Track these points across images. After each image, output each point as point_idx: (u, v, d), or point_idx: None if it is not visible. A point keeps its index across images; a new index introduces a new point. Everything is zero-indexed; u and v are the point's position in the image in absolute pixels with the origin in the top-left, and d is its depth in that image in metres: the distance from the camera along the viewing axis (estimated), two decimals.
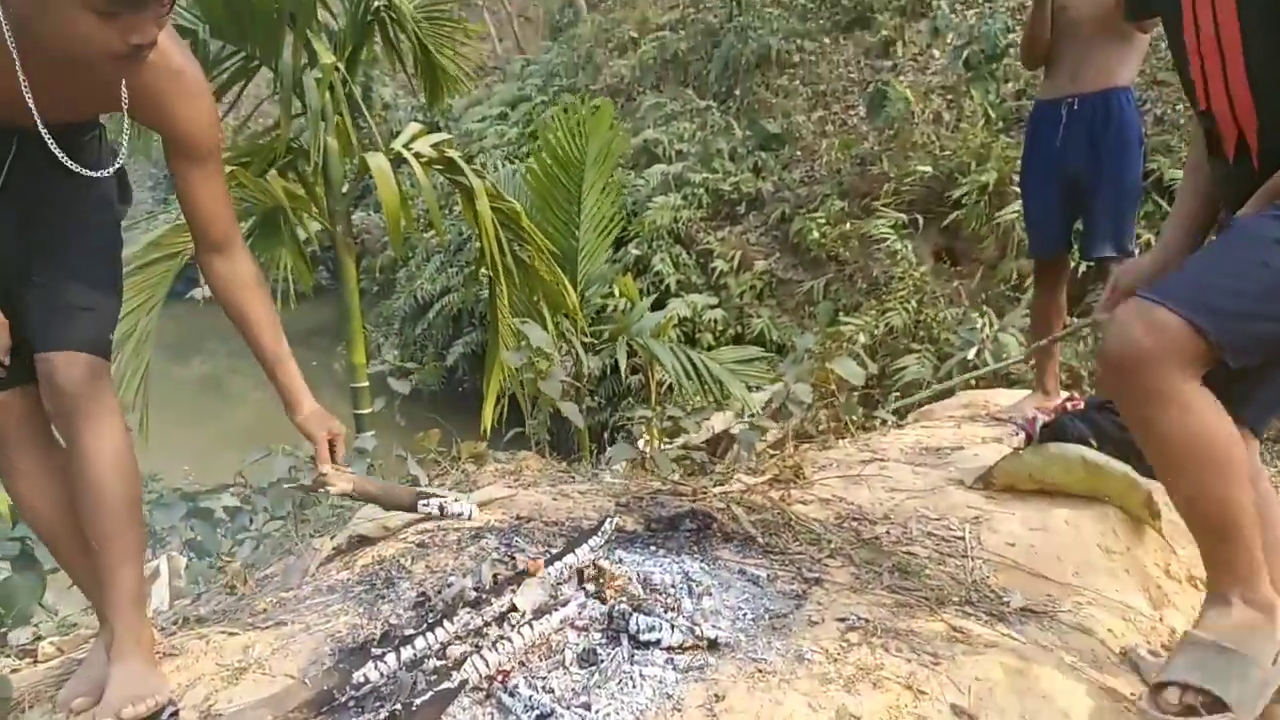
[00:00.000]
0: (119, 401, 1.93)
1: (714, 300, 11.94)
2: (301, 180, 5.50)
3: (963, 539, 2.57)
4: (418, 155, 5.18)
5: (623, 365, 6.07)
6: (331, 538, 2.54)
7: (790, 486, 2.92)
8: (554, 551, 2.11)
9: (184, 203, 1.96)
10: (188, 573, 3.89)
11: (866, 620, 2.11)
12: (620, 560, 2.28)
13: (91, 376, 1.84)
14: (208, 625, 2.28)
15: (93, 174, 1.81)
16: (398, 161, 5.15)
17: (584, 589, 2.06)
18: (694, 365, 5.99)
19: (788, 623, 2.07)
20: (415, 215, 13.62)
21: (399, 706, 1.71)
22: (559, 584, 2.04)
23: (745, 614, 2.09)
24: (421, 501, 2.45)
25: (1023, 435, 3.32)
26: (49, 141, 1.70)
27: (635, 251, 12.67)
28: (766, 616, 2.09)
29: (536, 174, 5.78)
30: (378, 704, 1.83)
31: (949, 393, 5.59)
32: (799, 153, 13.57)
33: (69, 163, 1.74)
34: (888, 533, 2.64)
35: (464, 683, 1.77)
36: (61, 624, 3.40)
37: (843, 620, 2.11)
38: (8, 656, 2.49)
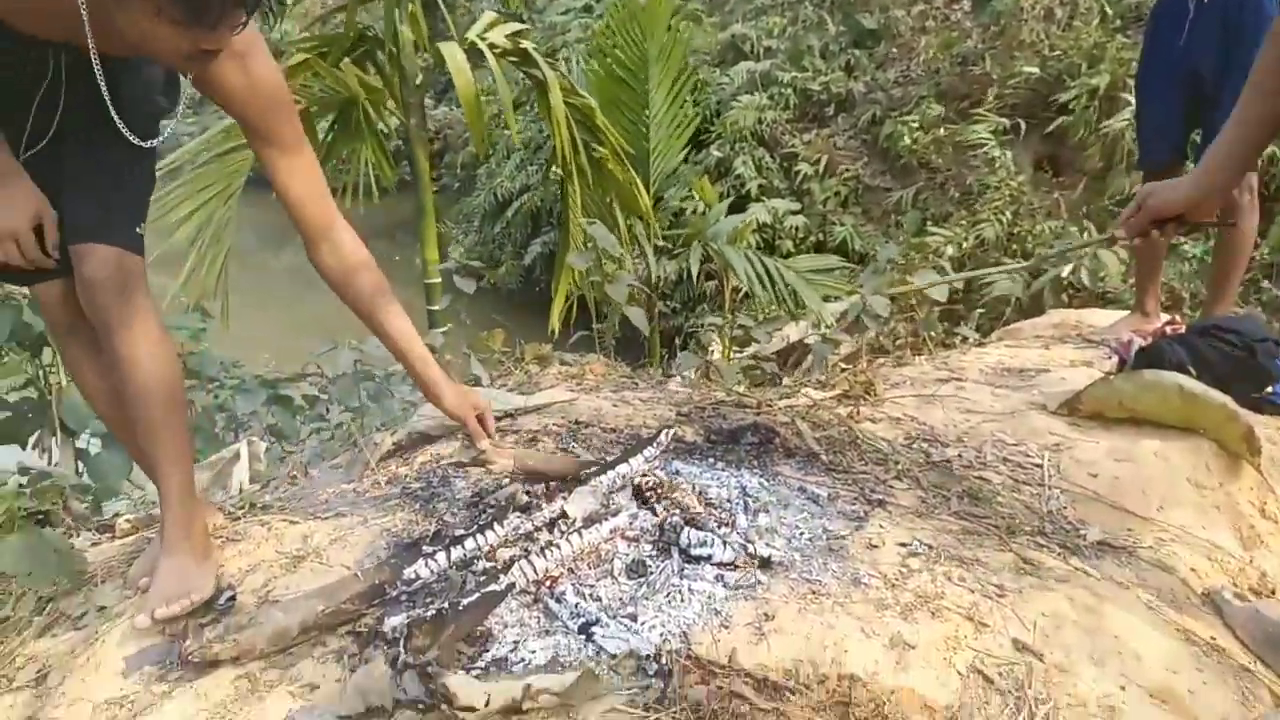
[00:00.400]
0: (152, 301, 1.90)
1: (796, 206, 11.58)
2: (379, 72, 5.41)
3: (1040, 466, 2.45)
4: (492, 46, 5.03)
5: (695, 271, 5.91)
6: (393, 433, 2.55)
7: (860, 403, 2.82)
8: (609, 459, 2.06)
9: (278, 194, 1.91)
10: (267, 456, 4.00)
11: (930, 547, 2.03)
12: (677, 472, 2.23)
13: (118, 270, 1.82)
14: (271, 513, 2.32)
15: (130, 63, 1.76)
16: (474, 53, 5.01)
17: (637, 500, 2.02)
18: (768, 272, 5.81)
19: (846, 545, 2.00)
20: (497, 111, 13.48)
21: (446, 605, 1.70)
22: (611, 493, 2.01)
23: (802, 533, 2.03)
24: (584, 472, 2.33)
25: (1116, 359, 3.14)
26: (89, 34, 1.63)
27: (717, 154, 12.31)
28: (824, 537, 2.02)
29: (599, 74, 5.57)
30: (428, 599, 1.84)
31: (1038, 310, 5.34)
32: (895, 50, 12.87)
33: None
34: (960, 456, 2.53)
35: (511, 586, 1.76)
36: (141, 501, 3.55)
37: (904, 545, 2.03)
38: (90, 530, 2.59)
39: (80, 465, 3.94)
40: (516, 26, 5.22)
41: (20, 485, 2.23)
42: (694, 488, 2.13)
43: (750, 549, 1.86)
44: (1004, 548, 2.07)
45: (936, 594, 1.85)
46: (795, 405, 2.78)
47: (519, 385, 3.01)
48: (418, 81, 5.30)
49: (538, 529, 1.92)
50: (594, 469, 2.01)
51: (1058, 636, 1.76)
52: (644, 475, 2.08)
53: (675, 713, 1.55)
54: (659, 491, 2.01)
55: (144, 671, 1.82)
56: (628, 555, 1.87)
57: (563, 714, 1.57)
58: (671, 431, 2.17)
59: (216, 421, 4.96)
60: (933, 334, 3.54)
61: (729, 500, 2.09)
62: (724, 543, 1.88)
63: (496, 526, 1.87)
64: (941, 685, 1.64)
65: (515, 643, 1.72)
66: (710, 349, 5.23)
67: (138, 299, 1.88)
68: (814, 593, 1.82)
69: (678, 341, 6.75)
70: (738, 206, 11.68)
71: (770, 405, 2.79)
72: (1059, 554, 2.09)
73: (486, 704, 1.54)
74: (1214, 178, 1.80)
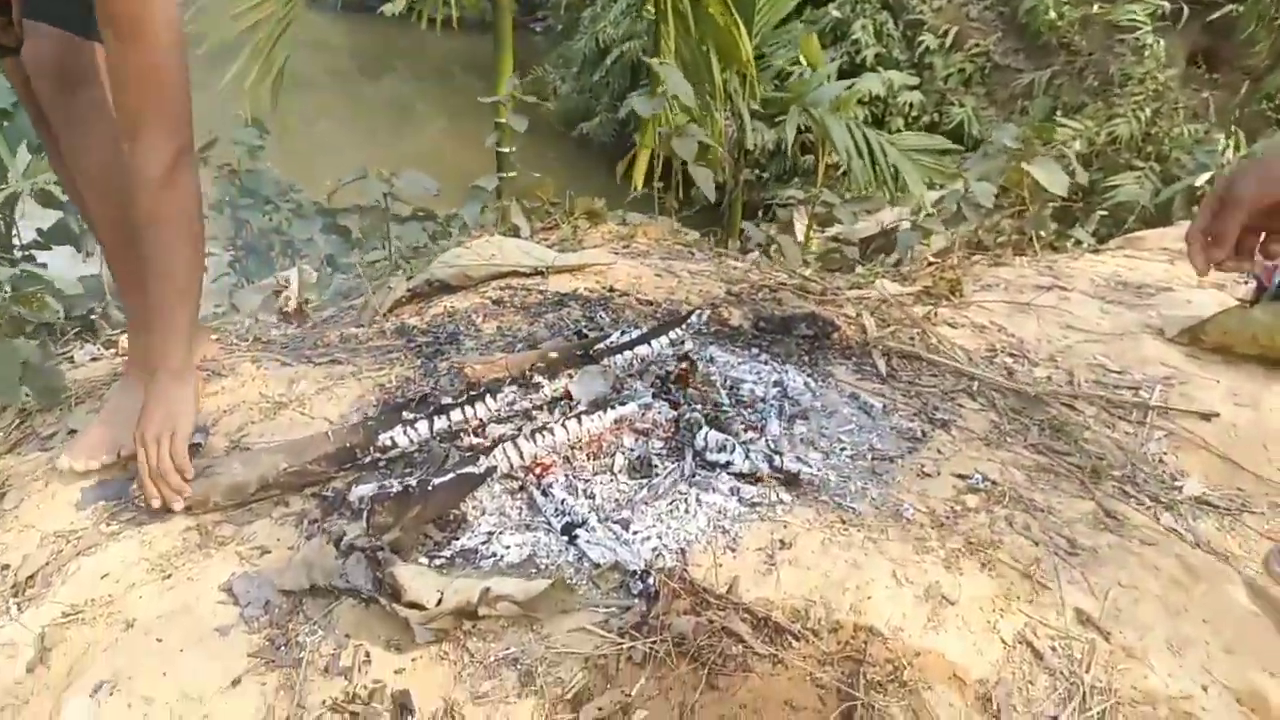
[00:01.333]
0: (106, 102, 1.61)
1: (914, 80, 10.69)
2: None
3: (1144, 401, 2.08)
4: None
5: (790, 138, 5.42)
6: (409, 278, 2.31)
7: (941, 303, 2.46)
8: (631, 336, 1.78)
9: None
10: (317, 287, 3.85)
11: (994, 483, 1.72)
12: (711, 359, 1.94)
13: (63, 54, 1.55)
14: (270, 350, 2.13)
15: None
16: None
17: (655, 388, 1.74)
18: (869, 146, 5.31)
19: (893, 469, 1.71)
20: None
21: (416, 482, 1.49)
22: (626, 377, 1.73)
23: (844, 449, 1.74)
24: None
25: (1254, 284, 2.67)
26: None
27: (835, 13, 11.37)
28: (869, 456, 1.73)
29: None
30: (407, 470, 1.63)
31: (1167, 222, 4.76)
32: None
33: None
34: (1049, 378, 2.18)
35: (492, 469, 1.53)
36: None
37: (963, 478, 1.72)
38: (93, 344, 2.45)
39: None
40: None
41: (4, 292, 2.07)
42: (725, 380, 1.84)
43: (776, 461, 1.58)
44: (1085, 494, 1.75)
45: (992, 541, 1.55)
46: (867, 298, 2.44)
47: (561, 241, 2.72)
48: None
49: (536, 408, 1.67)
50: (610, 347, 1.73)
51: (1132, 613, 1.46)
52: (668, 361, 1.79)
53: (654, 643, 1.32)
54: (683, 381, 1.73)
55: (97, 507, 1.67)
56: (633, 451, 1.61)
57: (524, 625, 1.36)
58: (705, 314, 1.88)
59: (273, 245, 4.83)
60: (1042, 233, 3.10)
61: (764, 400, 1.80)
62: (747, 450, 1.60)
63: (489, 399, 1.63)
64: (979, 653, 1.37)
65: (490, 533, 1.51)
66: (793, 225, 4.84)
67: (86, 93, 1.61)
68: (843, 522, 1.55)
69: (761, 214, 6.31)
70: (850, 75, 10.87)
71: (837, 294, 2.45)
72: (1149, 508, 1.76)
73: (438, 603, 1.34)
74: None
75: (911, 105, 10.82)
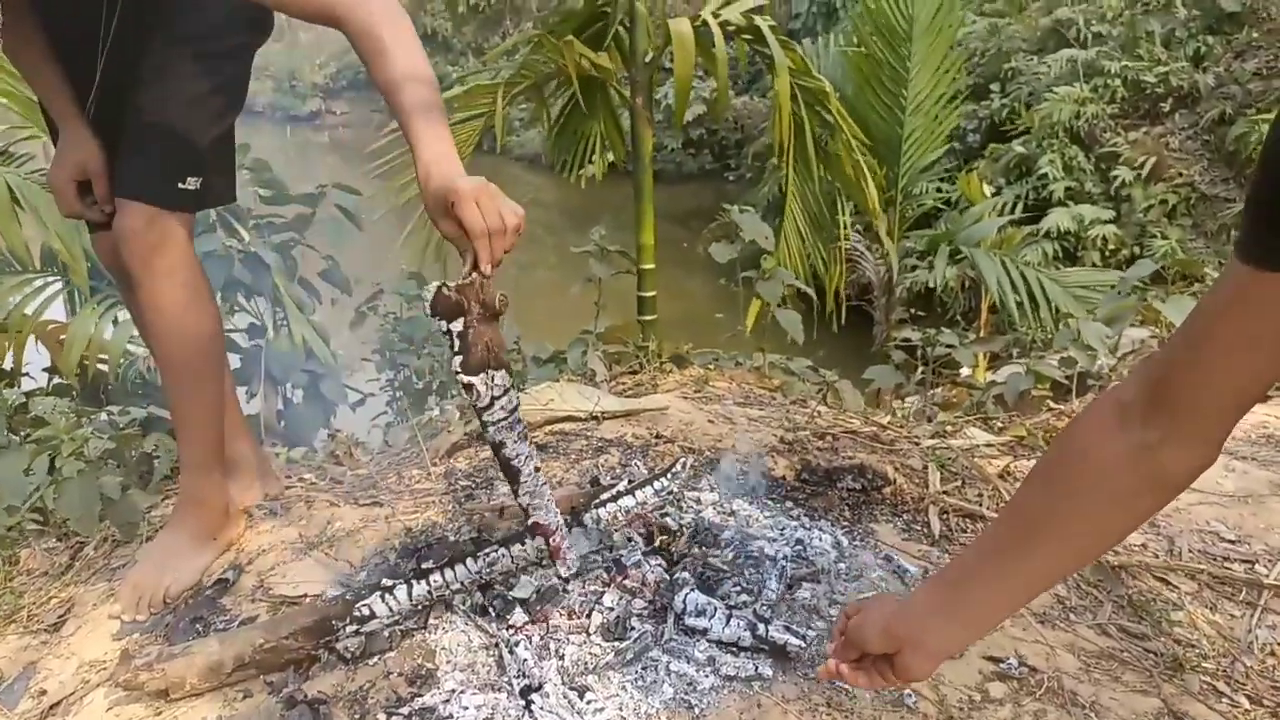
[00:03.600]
0: (190, 262, 1.80)
1: (1109, 214, 10.13)
2: (619, 47, 5.29)
3: (1258, 579, 1.76)
4: (725, 24, 4.71)
5: (940, 275, 5.23)
6: (467, 423, 2.37)
7: (1032, 454, 2.22)
8: (617, 488, 1.72)
9: None
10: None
11: (1032, 670, 1.48)
12: (732, 513, 1.83)
13: (145, 227, 1.73)
14: (328, 490, 2.23)
15: None
16: (704, 29, 4.73)
17: (646, 543, 1.65)
18: (1027, 283, 5.03)
19: None
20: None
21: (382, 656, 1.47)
22: (610, 531, 1.66)
23: None
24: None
25: None
26: None
27: (1020, 149, 11.06)
28: None
29: (854, 45, 5.03)
30: (372, 655, 1.57)
31: None
32: (1259, 37, 10.86)
33: None
34: (1144, 547, 1.89)
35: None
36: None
37: (996, 661, 1.50)
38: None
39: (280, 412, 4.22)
40: (753, 3, 4.85)
41: (91, 430, 2.30)
42: (737, 538, 1.72)
43: (760, 629, 1.44)
44: (1150, 689, 1.47)
45: None
46: (942, 446, 2.24)
47: (637, 386, 2.71)
48: (647, 59, 5.11)
49: (521, 569, 1.63)
50: (596, 498, 1.67)
51: None
52: (658, 513, 1.71)
53: None
54: (664, 547, 1.63)
55: (132, 638, 1.77)
56: (611, 611, 1.52)
57: None
58: (689, 462, 1.78)
59: (429, 384, 5.07)
60: None
61: (773, 559, 1.66)
62: (729, 615, 1.47)
63: (469, 562, 1.60)
64: None
65: (453, 691, 1.45)
66: (960, 370, 4.60)
67: (166, 259, 1.78)
68: (830, 705, 1.38)
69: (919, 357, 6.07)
70: (1037, 210, 10.44)
71: (913, 442, 2.27)
72: (1246, 713, 1.45)
73: None
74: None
75: (1106, 239, 10.24)
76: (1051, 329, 4.93)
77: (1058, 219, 10.04)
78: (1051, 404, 2.84)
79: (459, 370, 1.36)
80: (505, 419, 1.40)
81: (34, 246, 3.92)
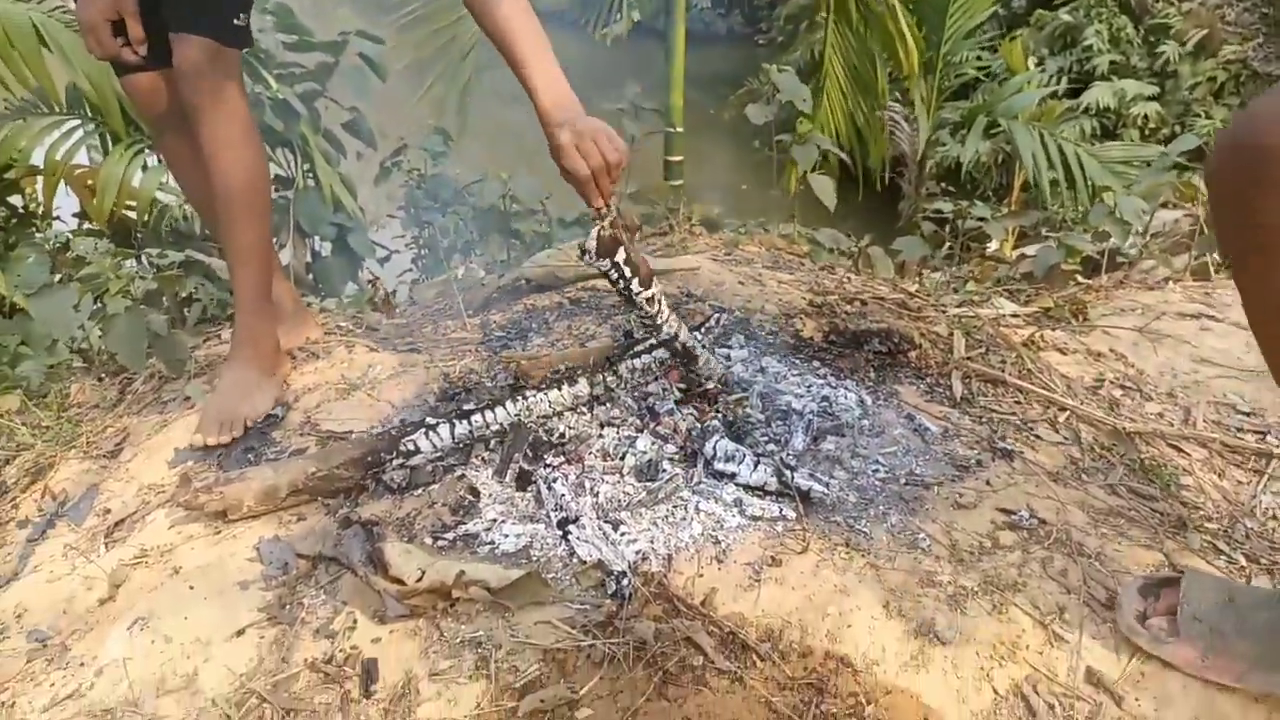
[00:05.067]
0: (244, 96, 1.83)
1: (1153, 90, 9.78)
2: None
3: (1269, 449, 1.82)
4: None
5: (969, 152, 5.13)
6: (500, 276, 2.42)
7: (1057, 326, 2.27)
8: (650, 341, 1.78)
9: None
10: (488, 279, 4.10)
11: (1042, 522, 1.57)
12: (760, 369, 1.90)
13: (208, 61, 1.76)
14: (367, 336, 2.30)
15: None
16: None
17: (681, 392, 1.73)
18: (1064, 158, 4.94)
19: (926, 496, 1.61)
20: None
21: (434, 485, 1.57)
22: (642, 379, 1.72)
23: (876, 470, 1.65)
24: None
25: None
26: None
27: (1066, 18, 10.58)
28: (903, 480, 1.63)
29: None
30: (417, 486, 1.67)
31: None
32: None
33: None
34: (1160, 415, 1.96)
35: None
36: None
37: (1008, 513, 1.59)
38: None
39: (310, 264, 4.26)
40: None
41: (138, 272, 2.37)
42: (767, 393, 1.79)
43: (786, 476, 1.53)
44: (1154, 544, 1.56)
45: (1013, 584, 1.43)
46: (967, 315, 2.28)
47: (667, 247, 2.74)
48: None
49: (555, 413, 1.71)
50: (630, 350, 1.74)
51: (1158, 680, 1.29)
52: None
53: (614, 644, 1.32)
54: (672, 378, 1.70)
55: (186, 464, 1.88)
56: (644, 454, 1.61)
57: (496, 611, 1.40)
58: (723, 317, 1.83)
59: (452, 241, 5.09)
60: (1210, 257, 2.75)
61: (801, 413, 1.74)
62: (756, 461, 1.56)
63: (508, 404, 1.68)
64: (960, 700, 1.26)
65: (494, 521, 1.56)
66: (989, 245, 4.58)
67: (228, 93, 1.83)
68: (848, 545, 1.47)
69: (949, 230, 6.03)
70: (1080, 84, 10.09)
71: (939, 309, 2.32)
72: (1241, 569, 1.55)
73: (419, 580, 1.41)
74: None
75: (1148, 116, 9.91)
76: (1087, 206, 4.87)
77: (1099, 94, 9.70)
78: (1080, 278, 2.86)
79: (640, 289, 1.58)
80: (671, 315, 1.66)
81: (58, 87, 3.90)
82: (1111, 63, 10.40)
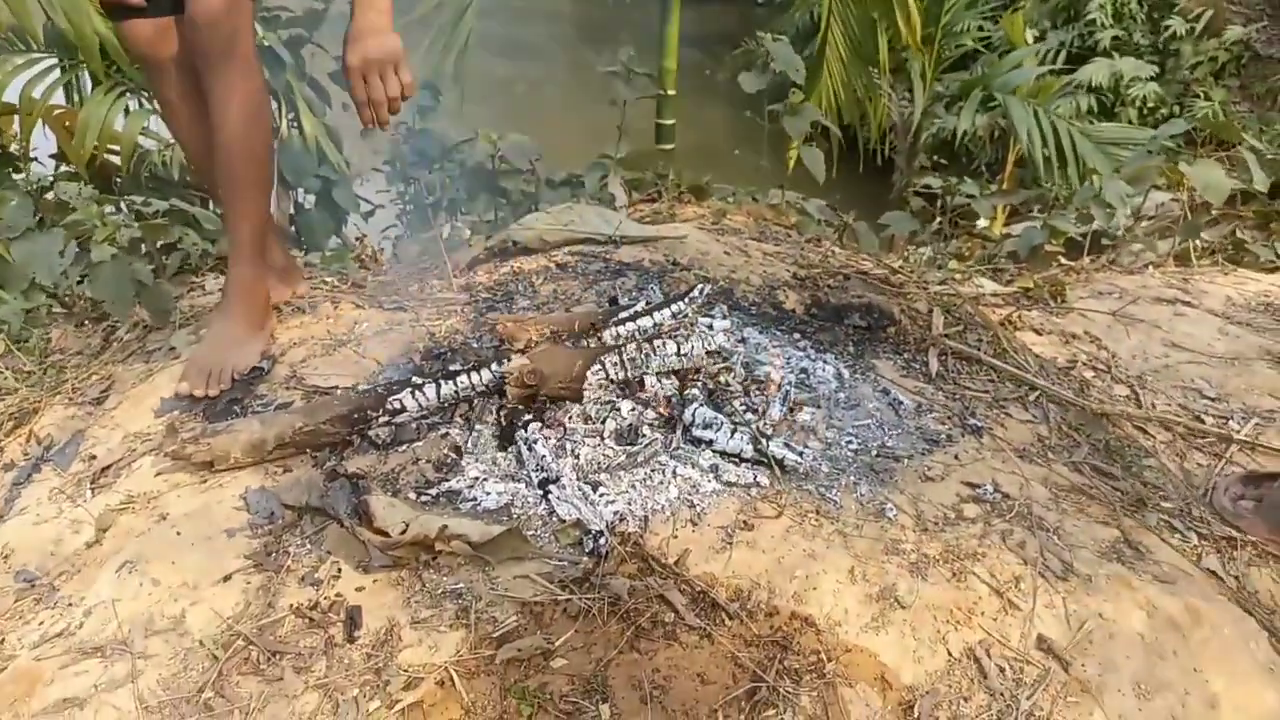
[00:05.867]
0: (256, 51, 1.87)
1: (1151, 70, 9.83)
2: None
3: (1229, 433, 1.92)
4: None
5: (964, 125, 5.19)
6: (487, 238, 2.47)
7: (1035, 306, 2.35)
8: (634, 309, 1.85)
9: None
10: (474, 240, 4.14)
11: (1005, 496, 1.67)
12: (741, 340, 1.98)
13: (225, 10, 1.79)
14: (353, 293, 2.36)
15: None
16: None
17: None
18: (1057, 136, 5.01)
19: (896, 469, 1.69)
20: None
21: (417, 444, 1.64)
22: (623, 346, 1.78)
23: (850, 442, 1.74)
24: None
25: None
26: None
27: None
28: (874, 452, 1.72)
29: None
30: (402, 443, 1.74)
31: None
32: None
33: None
34: (1128, 397, 2.05)
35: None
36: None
37: (973, 487, 1.68)
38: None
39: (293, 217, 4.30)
40: None
41: (123, 219, 2.40)
42: (747, 362, 1.87)
43: (762, 444, 1.61)
44: (1111, 521, 1.66)
45: (973, 553, 1.52)
46: (946, 293, 2.37)
47: (655, 214, 2.80)
48: None
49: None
50: (614, 316, 1.81)
51: (1106, 648, 1.40)
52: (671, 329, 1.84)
53: (590, 599, 1.40)
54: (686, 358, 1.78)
55: (172, 414, 1.94)
56: (625, 419, 1.69)
57: (477, 565, 1.48)
58: (708, 289, 1.90)
59: (439, 199, 5.08)
60: (1196, 242, 2.84)
61: (779, 384, 1.82)
62: (734, 429, 1.64)
63: (494, 366, 1.75)
64: (916, 660, 1.36)
65: (477, 479, 1.64)
66: (977, 222, 4.66)
67: (241, 42, 1.86)
68: (818, 513, 1.56)
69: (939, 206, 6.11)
70: (1080, 60, 10.11)
71: (922, 287, 2.40)
72: (1194, 548, 1.65)
73: (403, 532, 1.48)
74: None
75: (1146, 97, 9.97)
76: (1078, 186, 4.95)
77: (1095, 72, 9.73)
78: (1063, 260, 2.95)
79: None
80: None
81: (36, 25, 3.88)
82: (1114, 38, 10.42)
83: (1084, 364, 2.14)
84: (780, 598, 1.42)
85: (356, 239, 2.73)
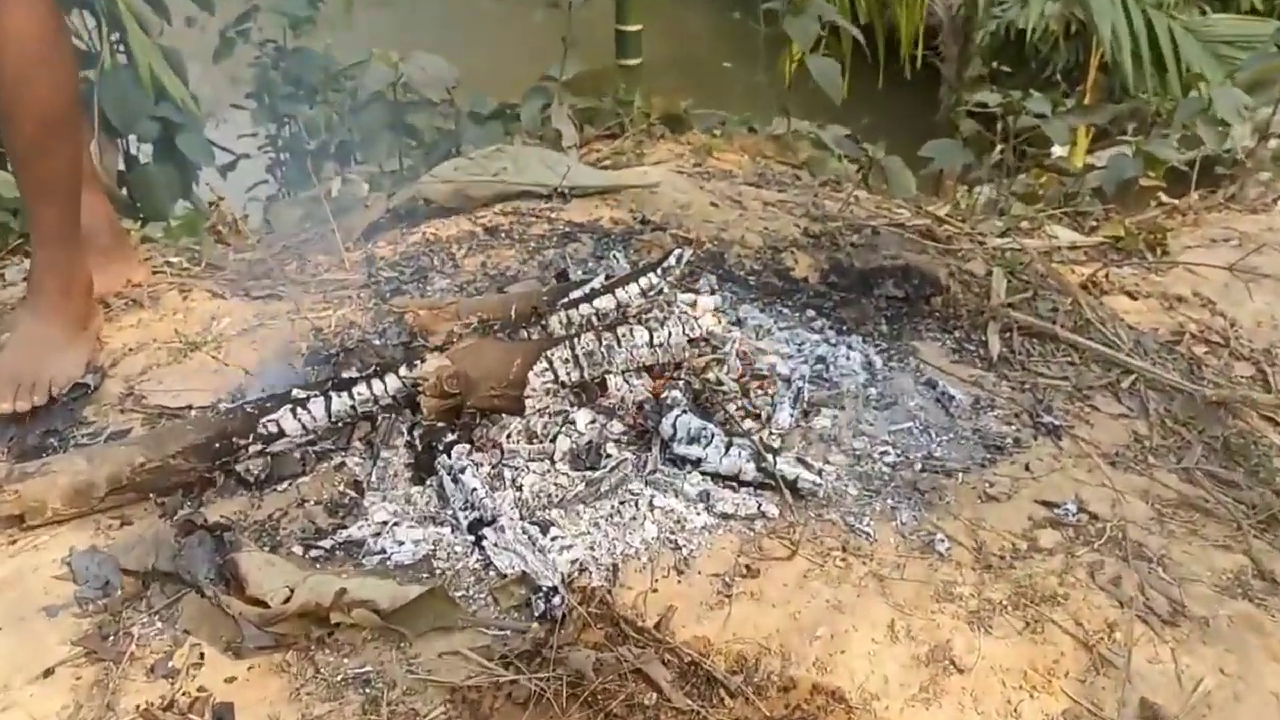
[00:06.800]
0: None
1: None
2: None
3: None
4: None
5: (1033, 18, 5.24)
6: (390, 195, 2.48)
7: (1127, 261, 2.39)
8: (591, 286, 1.86)
9: None
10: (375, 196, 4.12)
11: (1093, 518, 1.70)
12: (736, 322, 2.00)
13: None
14: (210, 279, 2.36)
15: None
16: None
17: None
18: (1152, 31, 5.06)
19: (948, 486, 1.72)
20: None
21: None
22: (577, 335, 1.80)
23: (885, 454, 1.76)
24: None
25: None
26: None
27: None
28: (918, 466, 1.75)
29: None
30: (282, 479, 1.75)
31: None
32: None
33: None
34: (1254, 379, 2.09)
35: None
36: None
37: (1051, 506, 1.71)
38: (13, 254, 2.74)
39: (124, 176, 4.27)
40: None
41: None
42: (744, 351, 1.89)
43: (767, 462, 1.63)
44: (1235, 544, 1.69)
45: (1053, 595, 1.55)
46: (1020, 249, 2.40)
47: (616, 155, 2.82)
48: None
49: None
50: (564, 297, 1.82)
51: (1228, 713, 1.43)
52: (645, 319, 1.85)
53: (543, 679, 1.42)
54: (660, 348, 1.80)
55: None
56: (582, 435, 1.70)
57: (391, 640, 1.49)
58: (687, 254, 1.91)
59: (323, 143, 5.02)
60: None
61: (791, 379, 1.84)
62: (729, 444, 1.66)
63: (403, 368, 1.76)
64: None
65: (385, 523, 1.65)
66: (1051, 150, 4.70)
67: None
68: (845, 549, 1.59)
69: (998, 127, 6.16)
70: None
71: (978, 241, 2.43)
72: None
73: (286, 600, 1.49)
74: None
75: None
76: (1179, 98, 5.01)
77: None
78: (1164, 198, 2.99)
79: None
80: None
81: None
82: None
83: (1194, 336, 2.19)
84: (798, 666, 1.44)
85: (211, 203, 2.72)
